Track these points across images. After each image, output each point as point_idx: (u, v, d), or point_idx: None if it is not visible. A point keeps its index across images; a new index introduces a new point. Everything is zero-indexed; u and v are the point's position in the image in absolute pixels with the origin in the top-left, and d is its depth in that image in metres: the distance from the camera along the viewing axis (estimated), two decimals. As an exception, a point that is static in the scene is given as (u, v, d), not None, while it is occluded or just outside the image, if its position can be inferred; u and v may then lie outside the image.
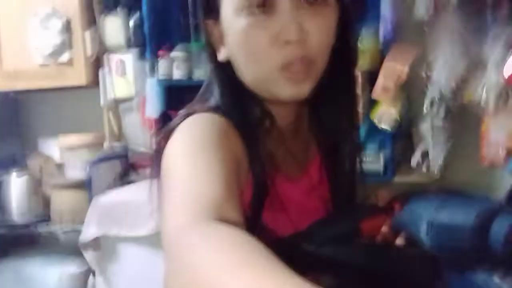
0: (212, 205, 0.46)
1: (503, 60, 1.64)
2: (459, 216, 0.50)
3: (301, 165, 0.74)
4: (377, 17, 1.87)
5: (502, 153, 1.70)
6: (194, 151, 0.56)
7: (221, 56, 0.68)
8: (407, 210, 0.60)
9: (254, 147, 0.65)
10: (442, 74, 1.74)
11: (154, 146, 0.74)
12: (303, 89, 0.64)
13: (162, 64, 1.98)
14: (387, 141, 1.91)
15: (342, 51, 0.68)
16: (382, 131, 1.90)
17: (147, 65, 2.00)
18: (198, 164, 0.53)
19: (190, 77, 2.00)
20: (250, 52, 0.63)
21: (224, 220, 0.44)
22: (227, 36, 0.65)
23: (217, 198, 0.48)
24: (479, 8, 1.70)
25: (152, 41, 1.99)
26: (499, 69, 1.65)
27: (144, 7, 1.97)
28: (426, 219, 0.53)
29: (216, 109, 0.66)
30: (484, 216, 0.47)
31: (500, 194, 1.80)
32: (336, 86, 0.71)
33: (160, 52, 1.97)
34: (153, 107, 1.94)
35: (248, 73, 0.65)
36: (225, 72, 0.68)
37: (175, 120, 0.64)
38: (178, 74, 1.99)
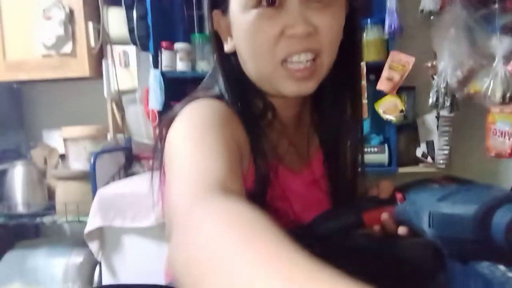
0: (216, 179, 0.47)
1: (511, 51, 1.62)
2: (461, 206, 0.49)
3: (304, 158, 0.74)
4: (382, 8, 1.85)
5: (508, 144, 1.68)
6: (197, 132, 0.56)
7: (227, 47, 0.68)
8: (409, 201, 0.59)
9: (256, 137, 0.64)
10: (448, 65, 1.72)
11: (156, 133, 0.73)
12: (308, 87, 0.64)
13: (165, 56, 1.97)
14: (392, 132, 1.90)
15: (348, 46, 0.67)
16: (387, 122, 1.89)
17: (150, 57, 1.99)
18: (201, 143, 0.53)
19: (193, 69, 2.00)
20: (255, 46, 0.62)
21: (229, 192, 0.44)
22: (234, 28, 0.64)
23: (221, 172, 0.48)
24: (486, -2, 1.68)
25: (155, 32, 1.97)
26: (506, 60, 1.63)
27: (148, -1, 1.96)
28: (428, 210, 0.52)
29: (219, 97, 0.66)
30: (486, 207, 0.47)
31: (506, 185, 1.79)
32: (340, 81, 0.71)
33: (163, 44, 1.96)
34: (156, 99, 1.93)
35: (253, 67, 0.65)
36: (230, 63, 0.68)
37: (177, 106, 0.64)
38: (181, 66, 1.98)
